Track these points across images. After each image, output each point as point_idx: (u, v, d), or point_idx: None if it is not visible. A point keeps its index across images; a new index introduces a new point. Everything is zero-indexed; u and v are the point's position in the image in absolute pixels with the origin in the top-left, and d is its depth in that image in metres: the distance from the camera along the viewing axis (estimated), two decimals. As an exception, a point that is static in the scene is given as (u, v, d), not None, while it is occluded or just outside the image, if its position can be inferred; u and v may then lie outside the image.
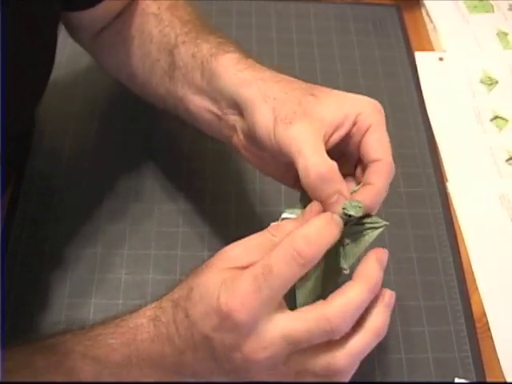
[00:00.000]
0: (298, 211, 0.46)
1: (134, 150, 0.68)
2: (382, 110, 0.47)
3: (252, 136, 0.48)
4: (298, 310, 0.41)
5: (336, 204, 0.43)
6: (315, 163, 0.43)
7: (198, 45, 0.53)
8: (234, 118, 0.50)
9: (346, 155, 0.48)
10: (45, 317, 0.56)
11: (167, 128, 0.71)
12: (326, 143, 0.45)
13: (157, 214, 0.64)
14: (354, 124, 0.46)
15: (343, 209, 0.43)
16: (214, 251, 0.60)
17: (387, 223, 0.45)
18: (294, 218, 0.45)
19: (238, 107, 0.49)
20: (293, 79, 0.49)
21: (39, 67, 0.54)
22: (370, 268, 0.42)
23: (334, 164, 0.44)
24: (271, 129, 0.45)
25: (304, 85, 0.48)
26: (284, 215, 0.46)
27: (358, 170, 0.47)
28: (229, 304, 0.39)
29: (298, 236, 0.40)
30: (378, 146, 0.45)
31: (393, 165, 0.46)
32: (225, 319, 0.40)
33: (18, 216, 0.62)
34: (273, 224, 0.45)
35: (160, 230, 0.63)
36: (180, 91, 0.54)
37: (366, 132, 0.46)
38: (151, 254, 0.61)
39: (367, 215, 0.44)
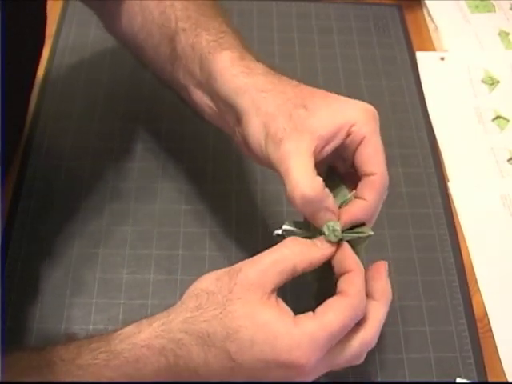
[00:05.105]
0: (298, 224, 0.47)
1: (134, 150, 0.68)
2: (377, 115, 0.46)
3: (247, 143, 0.48)
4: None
5: (322, 219, 0.44)
6: (301, 185, 0.43)
7: (198, 34, 0.51)
8: (232, 120, 0.49)
9: (342, 158, 0.47)
10: (46, 317, 0.56)
11: (167, 128, 0.71)
12: (318, 155, 0.45)
13: (158, 214, 0.64)
14: (348, 135, 0.45)
15: (327, 235, 0.44)
16: (215, 251, 0.61)
17: (372, 233, 0.45)
18: (302, 238, 0.45)
19: (235, 113, 0.48)
20: (286, 83, 0.48)
21: (27, 50, 0.53)
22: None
23: (320, 183, 0.43)
24: (263, 143, 0.45)
25: (297, 92, 0.47)
26: (285, 227, 0.47)
27: (352, 176, 0.47)
28: (305, 361, 0.41)
29: (359, 298, 0.43)
30: (372, 159, 0.45)
31: (387, 177, 0.46)
32: (290, 368, 0.41)
33: (19, 216, 0.62)
34: (276, 232, 0.47)
35: (161, 230, 0.62)
36: (182, 80, 0.53)
37: (360, 143, 0.45)
38: (152, 254, 0.61)
39: (360, 225, 0.45)
